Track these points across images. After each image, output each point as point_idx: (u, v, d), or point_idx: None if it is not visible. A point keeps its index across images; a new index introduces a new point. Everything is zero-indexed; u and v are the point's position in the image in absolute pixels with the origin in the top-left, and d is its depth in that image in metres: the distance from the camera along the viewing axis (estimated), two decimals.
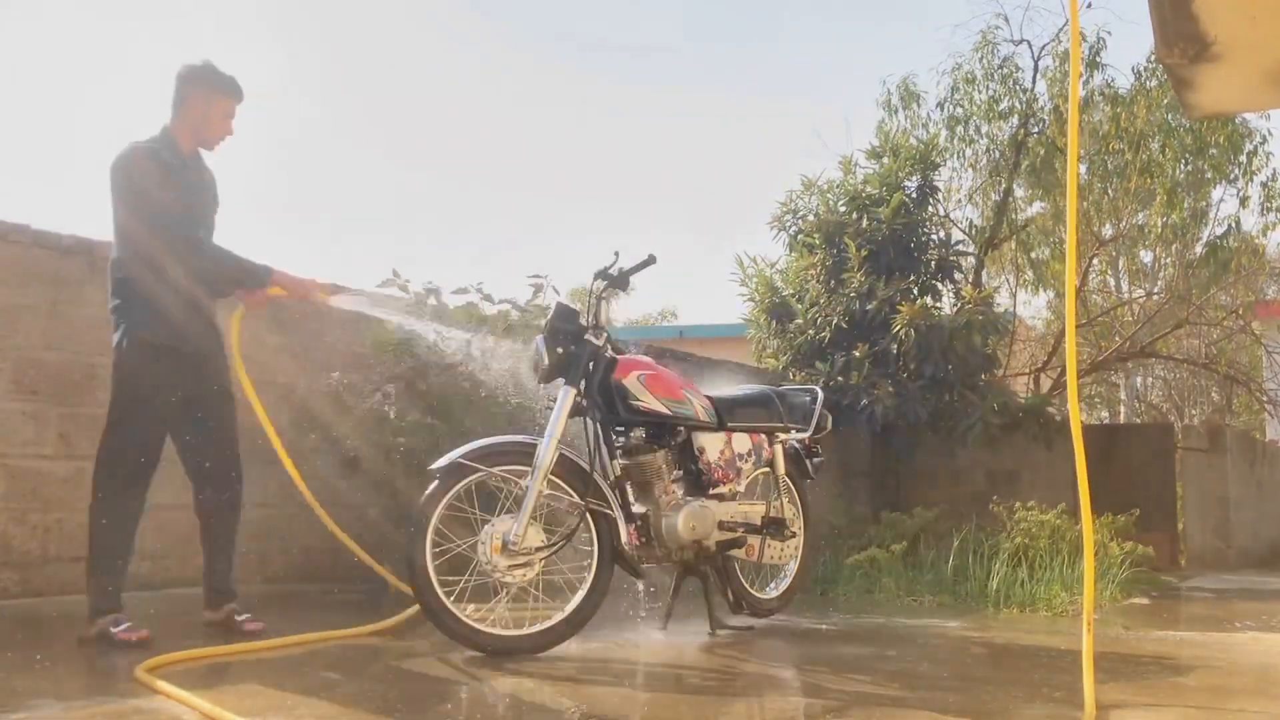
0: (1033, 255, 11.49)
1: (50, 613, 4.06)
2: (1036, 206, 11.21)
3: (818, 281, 8.00)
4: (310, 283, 4.02)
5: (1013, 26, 11.39)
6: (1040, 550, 5.81)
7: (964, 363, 7.62)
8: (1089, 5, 9.45)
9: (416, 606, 3.59)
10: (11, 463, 4.29)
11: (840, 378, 7.46)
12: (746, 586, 4.47)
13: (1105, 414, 17.94)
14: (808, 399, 4.59)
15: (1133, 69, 10.45)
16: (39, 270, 4.44)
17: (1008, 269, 11.93)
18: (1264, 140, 10.40)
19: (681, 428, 4.06)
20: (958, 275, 8.36)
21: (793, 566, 4.61)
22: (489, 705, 2.91)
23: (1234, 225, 10.92)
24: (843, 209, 8.16)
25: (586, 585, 3.65)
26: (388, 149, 52.36)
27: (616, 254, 3.84)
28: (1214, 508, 9.39)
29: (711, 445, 4.15)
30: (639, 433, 3.94)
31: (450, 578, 3.46)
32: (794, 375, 7.60)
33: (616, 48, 51.49)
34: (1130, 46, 35.19)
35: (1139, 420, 16.46)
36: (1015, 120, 9.99)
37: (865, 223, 7.91)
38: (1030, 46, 9.85)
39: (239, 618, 3.72)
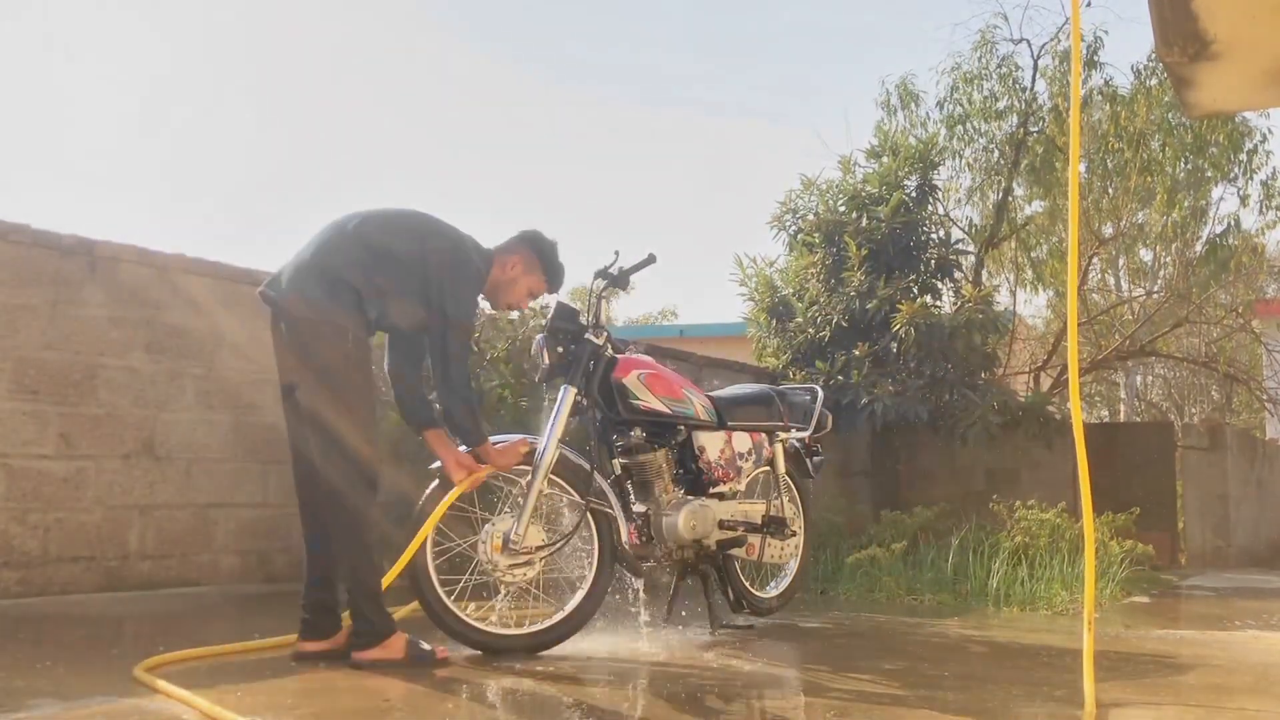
0: (1032, 254, 11.49)
1: (50, 612, 4.06)
2: (1036, 205, 11.21)
3: (818, 280, 8.01)
4: (509, 463, 3.58)
5: (1012, 25, 11.39)
6: (1040, 549, 5.81)
7: (964, 362, 7.62)
8: (1088, 4, 9.46)
9: (415, 605, 3.59)
10: (12, 462, 4.29)
11: (840, 377, 7.46)
12: (747, 586, 4.47)
13: (1105, 413, 17.95)
14: (808, 398, 4.59)
15: (1132, 67, 10.46)
16: (39, 270, 4.44)
17: (1007, 268, 11.93)
18: (1264, 139, 10.41)
19: (682, 427, 4.06)
20: (957, 274, 8.37)
21: (793, 565, 4.61)
22: (489, 704, 2.91)
23: (1234, 224, 10.93)
24: (842, 208, 8.16)
25: (587, 584, 3.65)
26: (389, 149, 52.38)
27: (616, 253, 3.85)
28: (1214, 506, 9.39)
29: (712, 444, 4.16)
30: (639, 432, 3.94)
31: (452, 576, 3.46)
32: (794, 374, 7.60)
33: (615, 47, 51.52)
34: (1130, 46, 35.22)
35: (1139, 419, 16.47)
36: (1014, 119, 9.99)
37: (865, 222, 7.91)
38: (1030, 45, 9.85)
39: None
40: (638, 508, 3.84)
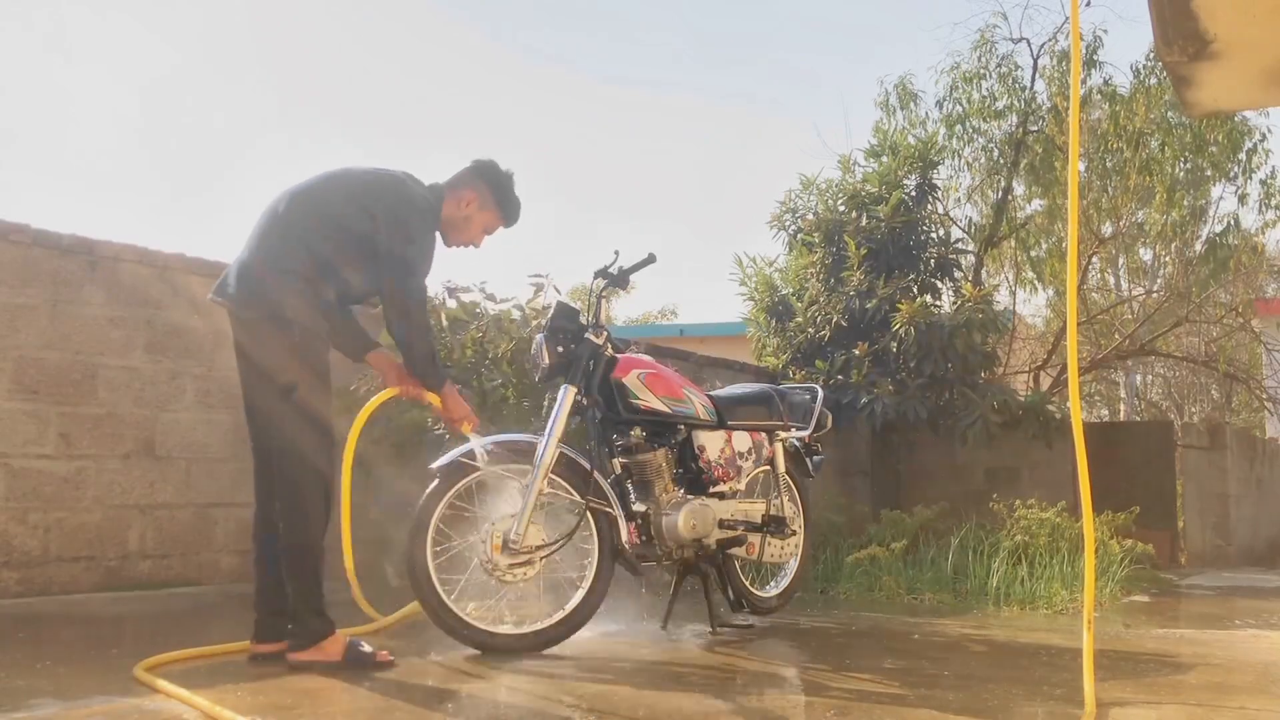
0: (1032, 253, 11.49)
1: (50, 612, 4.06)
2: (1035, 204, 11.21)
3: (817, 280, 8.01)
4: (468, 413, 3.53)
5: (1011, 24, 11.42)
6: (1040, 548, 5.80)
7: (964, 361, 7.62)
8: (1088, 3, 9.47)
9: (414, 605, 3.59)
10: (12, 462, 4.29)
11: (840, 376, 7.46)
12: (746, 585, 4.47)
13: (1105, 412, 17.96)
14: (808, 397, 4.59)
15: (1132, 67, 10.47)
16: (39, 270, 4.44)
17: (1007, 267, 11.93)
18: (1263, 138, 10.41)
19: (681, 426, 4.06)
20: (957, 273, 8.37)
21: (793, 565, 4.61)
22: (489, 704, 2.91)
23: (1233, 223, 10.94)
24: (842, 207, 8.16)
25: (586, 584, 3.65)
26: (389, 148, 52.36)
27: (616, 253, 3.85)
28: (1214, 505, 9.40)
29: (712, 443, 4.16)
30: (639, 431, 3.94)
31: (454, 576, 3.46)
32: (794, 374, 7.60)
33: (614, 45, 51.49)
34: (1129, 45, 35.22)
35: (1139, 418, 16.47)
36: (1014, 118, 9.99)
37: (865, 221, 7.91)
38: (1029, 45, 9.86)
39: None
40: (638, 507, 3.85)
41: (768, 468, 4.46)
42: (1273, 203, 10.75)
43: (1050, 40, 9.77)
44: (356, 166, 3.38)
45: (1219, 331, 12.09)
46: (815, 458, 4.70)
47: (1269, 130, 11.33)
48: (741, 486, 4.26)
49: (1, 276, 4.32)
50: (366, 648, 3.19)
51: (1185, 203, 10.83)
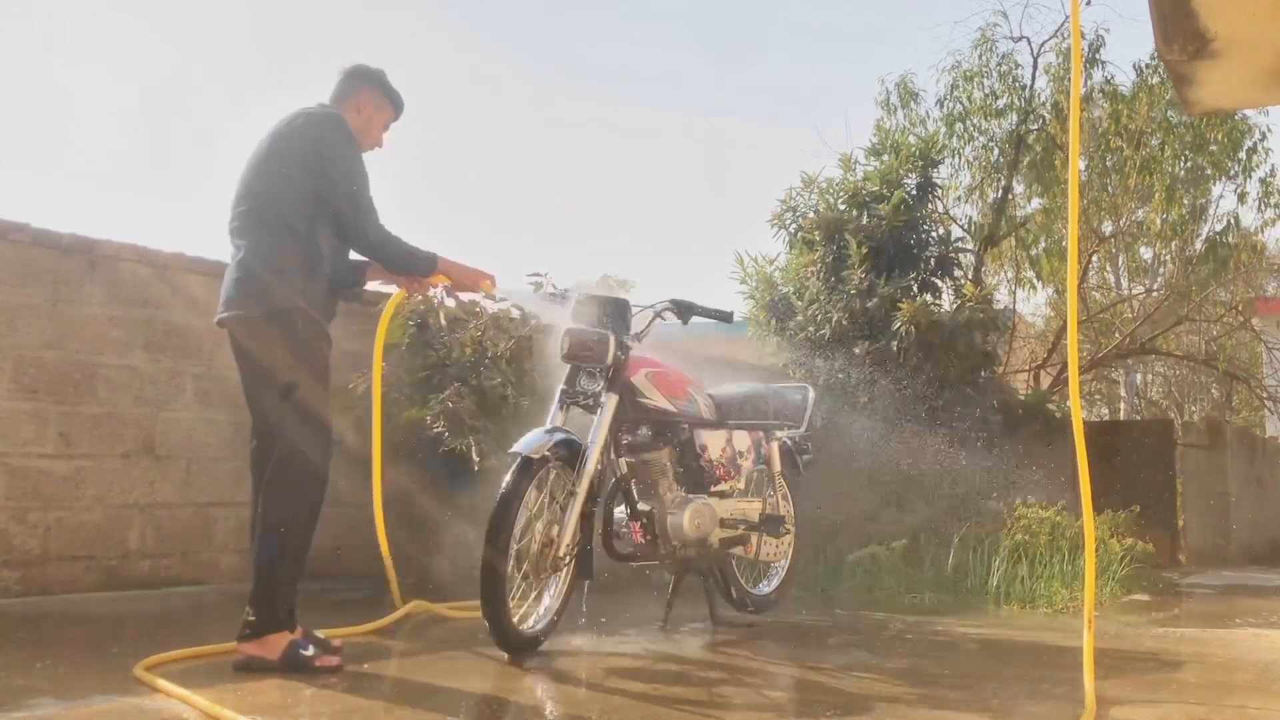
0: (1032, 252, 11.49)
1: (50, 611, 4.06)
2: (1036, 203, 11.22)
3: (818, 279, 7.99)
4: (477, 272, 3.63)
5: (1012, 23, 11.47)
6: (1040, 547, 5.81)
7: (964, 360, 7.61)
8: (1088, 2, 9.47)
9: (413, 605, 3.59)
10: (12, 462, 4.29)
11: (840, 375, 7.45)
12: (744, 584, 4.48)
13: (1105, 411, 17.94)
14: (799, 396, 4.60)
15: (1134, 65, 10.47)
16: (39, 269, 4.44)
17: (1007, 266, 11.93)
18: (1263, 137, 10.43)
19: (685, 425, 4.06)
20: (957, 272, 8.35)
21: (784, 564, 4.63)
22: (489, 703, 2.91)
23: (1233, 221, 10.95)
24: (843, 206, 8.15)
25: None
26: (388, 147, 52.25)
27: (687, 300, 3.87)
28: (1214, 504, 9.40)
29: (714, 442, 4.16)
30: (644, 430, 3.93)
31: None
32: (794, 373, 7.60)
33: (614, 47, 51.50)
34: (1129, 44, 35.19)
35: (1139, 417, 16.46)
36: (1014, 117, 10.00)
37: (865, 220, 7.90)
38: (1030, 43, 9.86)
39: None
40: (642, 506, 3.84)
41: (763, 466, 4.47)
42: (1272, 201, 10.76)
43: (1052, 39, 9.79)
44: (279, 128, 3.40)
45: (1219, 330, 12.09)
46: (804, 456, 4.70)
47: (1269, 129, 11.37)
48: (741, 485, 4.27)
49: (1, 276, 4.31)
50: (307, 652, 3.09)
51: (1185, 201, 10.83)
